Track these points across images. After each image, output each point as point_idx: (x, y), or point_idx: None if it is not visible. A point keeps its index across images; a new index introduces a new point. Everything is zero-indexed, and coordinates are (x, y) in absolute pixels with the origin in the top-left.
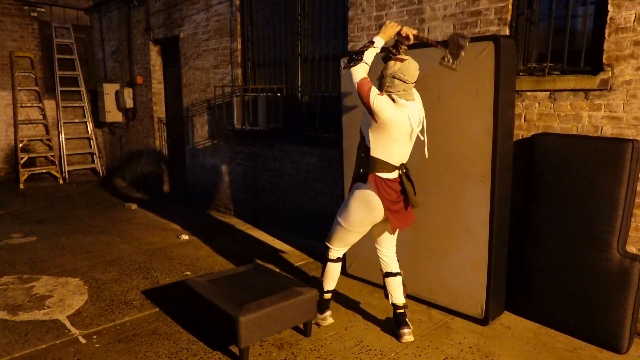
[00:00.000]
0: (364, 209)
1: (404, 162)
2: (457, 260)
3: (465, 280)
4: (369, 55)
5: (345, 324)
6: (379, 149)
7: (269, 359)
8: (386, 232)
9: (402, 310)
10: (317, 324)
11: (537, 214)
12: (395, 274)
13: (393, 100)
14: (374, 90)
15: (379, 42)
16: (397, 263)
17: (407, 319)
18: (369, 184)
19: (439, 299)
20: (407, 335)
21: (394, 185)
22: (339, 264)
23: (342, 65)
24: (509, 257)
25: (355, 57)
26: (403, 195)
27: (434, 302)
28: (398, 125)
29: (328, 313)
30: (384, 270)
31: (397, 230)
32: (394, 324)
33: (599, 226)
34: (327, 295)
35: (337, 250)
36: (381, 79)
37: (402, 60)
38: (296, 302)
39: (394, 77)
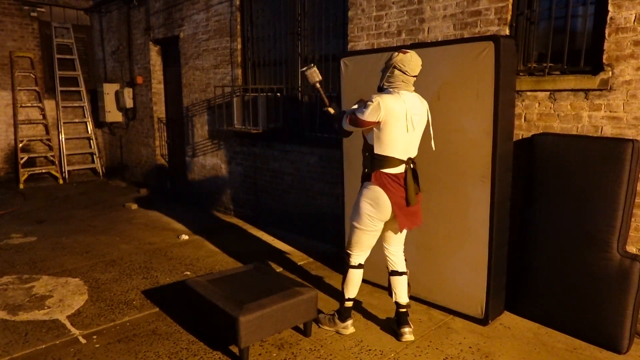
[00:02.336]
0: (372, 206)
1: (412, 157)
2: (457, 260)
3: (465, 280)
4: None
5: None
6: (382, 146)
7: (269, 359)
8: (392, 234)
9: (404, 310)
10: (339, 332)
11: (537, 214)
12: (401, 274)
13: (385, 93)
14: (359, 112)
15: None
16: (404, 262)
17: (408, 319)
18: (373, 182)
19: (439, 299)
20: (408, 334)
21: (401, 181)
22: (361, 271)
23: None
24: (509, 257)
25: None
26: (403, 190)
27: (434, 302)
28: (398, 117)
29: (350, 322)
30: (390, 269)
31: (405, 229)
32: (394, 323)
33: (599, 226)
34: (349, 304)
35: (357, 255)
36: (384, 70)
37: (404, 52)
38: (296, 302)
39: (394, 67)
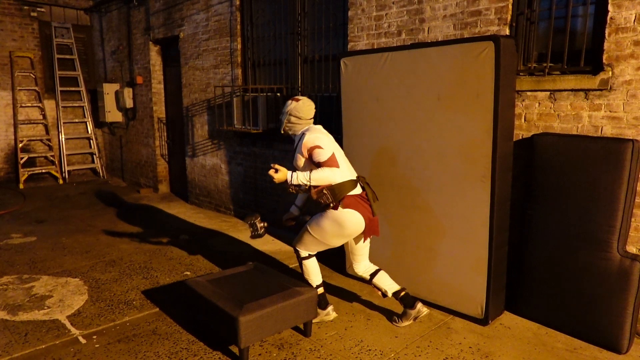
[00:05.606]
0: (338, 229)
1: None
2: (457, 260)
3: (465, 280)
4: (301, 178)
5: (345, 324)
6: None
7: (269, 359)
8: (362, 246)
9: (404, 292)
10: (323, 320)
11: (537, 214)
12: (377, 271)
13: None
14: (322, 157)
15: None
16: (371, 264)
17: (411, 296)
18: (345, 206)
19: (439, 299)
20: (421, 307)
21: (364, 199)
22: (314, 259)
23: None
24: (509, 257)
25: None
26: (369, 205)
27: (434, 302)
28: (333, 143)
29: (330, 308)
30: (367, 276)
31: (368, 240)
32: (406, 310)
33: (599, 226)
34: (320, 290)
35: (305, 251)
36: (281, 117)
37: (297, 100)
38: (296, 302)
39: (290, 114)
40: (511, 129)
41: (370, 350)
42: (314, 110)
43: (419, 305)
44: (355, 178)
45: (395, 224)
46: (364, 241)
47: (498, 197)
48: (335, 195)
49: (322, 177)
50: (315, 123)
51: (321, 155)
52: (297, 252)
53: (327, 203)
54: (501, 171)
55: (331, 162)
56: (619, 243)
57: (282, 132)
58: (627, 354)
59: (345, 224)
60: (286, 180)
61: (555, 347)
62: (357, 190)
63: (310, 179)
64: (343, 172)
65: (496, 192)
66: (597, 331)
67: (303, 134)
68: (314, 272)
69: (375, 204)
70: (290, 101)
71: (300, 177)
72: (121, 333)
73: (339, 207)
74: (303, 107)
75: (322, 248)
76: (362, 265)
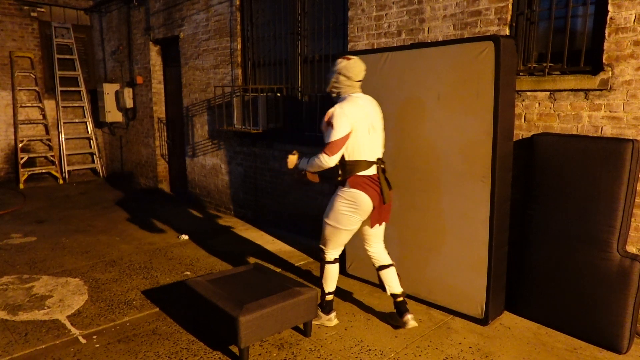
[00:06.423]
0: (351, 207)
1: (380, 157)
2: (457, 260)
3: (465, 280)
4: (302, 164)
5: (345, 324)
6: (351, 152)
7: (269, 359)
8: (372, 229)
9: (401, 299)
10: (324, 325)
11: (537, 214)
12: (388, 266)
13: (341, 99)
14: (328, 137)
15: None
16: (387, 256)
17: (407, 306)
18: (351, 186)
19: (439, 299)
20: (411, 320)
21: (376, 181)
22: (337, 265)
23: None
24: (509, 257)
25: (304, 172)
26: (379, 190)
27: (434, 302)
28: (360, 121)
29: (333, 314)
30: (377, 265)
31: (383, 225)
32: (396, 315)
33: (599, 226)
34: (329, 297)
35: (332, 251)
36: (329, 75)
37: (348, 59)
38: (296, 302)
39: (339, 73)
40: (511, 129)
41: (370, 350)
42: (364, 73)
43: (407, 317)
44: (372, 160)
45: (396, 224)
46: (371, 227)
47: (498, 197)
48: (345, 172)
49: (314, 165)
50: (321, 120)
51: (328, 135)
52: (322, 254)
53: (336, 175)
54: (501, 171)
55: (331, 147)
56: (619, 243)
57: (328, 90)
58: (627, 354)
59: (356, 200)
60: (296, 166)
61: (555, 347)
62: (369, 172)
63: (307, 165)
64: (358, 151)
65: (496, 192)
66: (597, 331)
67: (340, 101)
68: (332, 278)
69: (390, 192)
70: (341, 59)
71: (302, 163)
72: (121, 333)
73: (346, 186)
74: (354, 67)
75: (344, 236)
76: (376, 249)
